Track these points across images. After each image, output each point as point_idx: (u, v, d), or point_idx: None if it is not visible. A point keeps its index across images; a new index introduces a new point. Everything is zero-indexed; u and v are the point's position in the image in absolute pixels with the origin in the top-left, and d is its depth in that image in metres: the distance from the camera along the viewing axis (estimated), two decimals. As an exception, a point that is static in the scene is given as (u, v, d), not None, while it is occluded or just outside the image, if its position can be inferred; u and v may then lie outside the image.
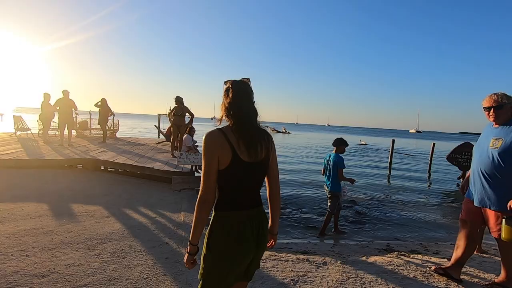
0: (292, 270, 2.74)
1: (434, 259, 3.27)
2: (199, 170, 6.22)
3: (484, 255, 3.48)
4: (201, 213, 1.30)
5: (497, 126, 2.48)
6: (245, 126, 1.31)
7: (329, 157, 4.51)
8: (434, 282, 2.66)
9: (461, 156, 9.29)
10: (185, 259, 1.38)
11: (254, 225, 1.35)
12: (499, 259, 2.67)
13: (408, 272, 2.84)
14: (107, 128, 10.95)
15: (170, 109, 7.78)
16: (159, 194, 5.20)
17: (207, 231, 1.36)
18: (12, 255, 2.68)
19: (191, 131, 7.62)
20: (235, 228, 1.31)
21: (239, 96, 1.32)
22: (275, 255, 3.08)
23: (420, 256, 3.37)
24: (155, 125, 13.56)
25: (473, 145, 2.72)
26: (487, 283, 2.66)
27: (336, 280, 2.61)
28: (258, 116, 1.37)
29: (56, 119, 9.14)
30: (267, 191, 1.49)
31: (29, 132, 10.56)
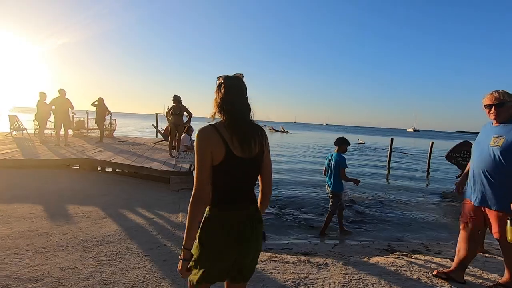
0: (293, 272, 2.68)
1: (436, 260, 3.22)
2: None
3: (487, 255, 3.45)
4: (195, 212, 1.25)
5: (497, 124, 2.42)
6: (238, 121, 1.29)
7: (331, 156, 4.46)
8: (438, 283, 2.61)
9: (460, 155, 9.28)
10: (179, 267, 1.29)
11: (247, 224, 1.32)
12: (502, 259, 2.62)
13: (411, 273, 2.79)
14: (104, 127, 10.84)
15: (168, 108, 7.69)
16: (157, 195, 5.13)
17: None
18: (5, 258, 2.60)
19: (189, 131, 7.54)
20: (227, 224, 1.28)
21: (232, 91, 1.30)
22: (276, 257, 3.02)
23: (422, 257, 3.32)
24: (153, 125, 13.46)
25: (472, 144, 2.67)
26: (491, 284, 2.62)
27: (338, 282, 2.55)
28: (251, 112, 1.35)
29: (52, 118, 9.03)
30: (260, 187, 1.46)
31: (25, 132, 10.44)
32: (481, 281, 2.70)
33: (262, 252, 3.16)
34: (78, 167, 6.73)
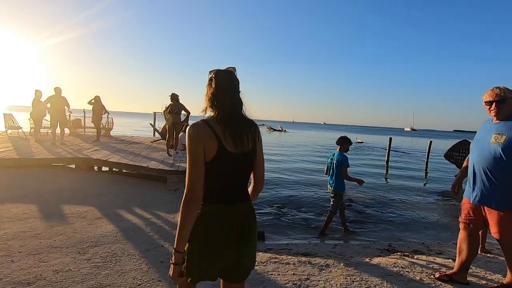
0: (294, 274, 2.61)
1: (438, 260, 3.18)
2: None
3: (488, 255, 3.41)
4: (188, 213, 1.19)
5: (498, 121, 2.36)
6: (230, 116, 1.27)
7: (333, 155, 4.40)
8: (441, 285, 2.56)
9: (458, 153, 9.26)
10: (171, 272, 1.22)
11: (240, 221, 1.28)
12: (504, 258, 2.58)
13: (413, 274, 2.74)
14: (101, 126, 10.73)
15: (165, 107, 7.59)
16: (154, 194, 5.05)
17: None
18: (-4, 260, 2.52)
19: (187, 129, 7.45)
20: (218, 221, 1.25)
21: (223, 86, 1.28)
22: (276, 258, 2.96)
23: (424, 257, 3.28)
24: (150, 123, 13.36)
25: (471, 143, 2.60)
26: (495, 285, 2.57)
27: (340, 284, 2.49)
28: (243, 107, 1.33)
29: (48, 117, 8.92)
30: (252, 183, 1.42)
31: (20, 130, 10.31)
32: (484, 282, 2.65)
33: (262, 253, 3.12)
34: (74, 166, 6.63)
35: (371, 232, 4.87)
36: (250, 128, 1.32)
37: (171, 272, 1.22)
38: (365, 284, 2.50)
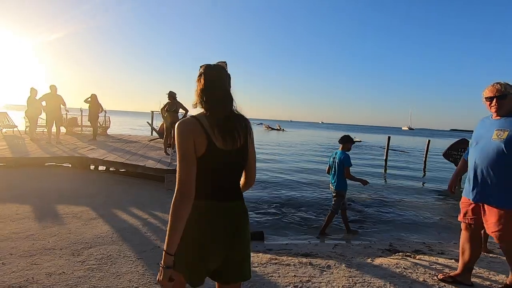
0: (295, 276, 2.55)
1: (441, 260, 3.12)
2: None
3: (491, 254, 3.36)
4: (179, 213, 1.12)
5: (498, 117, 2.30)
6: (220, 112, 1.23)
7: (335, 154, 4.34)
8: (445, 286, 2.50)
9: (457, 152, 9.25)
10: (160, 276, 1.13)
11: (231, 220, 1.25)
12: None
13: (417, 275, 2.68)
14: (98, 125, 10.60)
15: (163, 105, 7.50)
16: (151, 194, 4.97)
17: None
18: (-14, 263, 2.43)
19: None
20: (207, 219, 1.21)
21: (213, 81, 1.24)
22: (276, 259, 2.89)
23: (426, 257, 3.22)
24: (148, 122, 13.24)
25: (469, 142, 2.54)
26: (499, 286, 2.52)
27: (343, 285, 2.42)
28: (234, 102, 1.29)
29: (44, 115, 8.79)
30: (243, 179, 1.37)
31: (15, 129, 10.17)
32: (488, 283, 2.60)
33: (261, 254, 3.04)
34: (69, 166, 6.52)
35: (371, 231, 4.82)
36: (241, 124, 1.28)
37: (160, 276, 1.13)
38: (368, 286, 2.43)
